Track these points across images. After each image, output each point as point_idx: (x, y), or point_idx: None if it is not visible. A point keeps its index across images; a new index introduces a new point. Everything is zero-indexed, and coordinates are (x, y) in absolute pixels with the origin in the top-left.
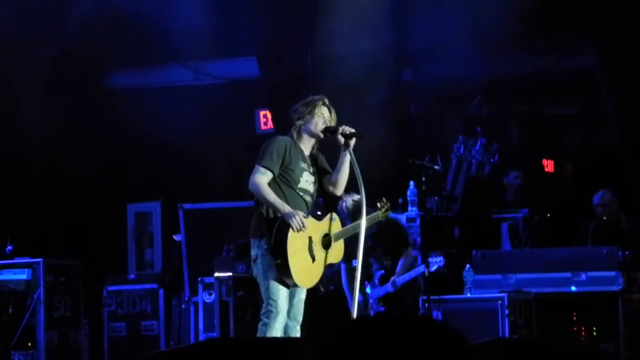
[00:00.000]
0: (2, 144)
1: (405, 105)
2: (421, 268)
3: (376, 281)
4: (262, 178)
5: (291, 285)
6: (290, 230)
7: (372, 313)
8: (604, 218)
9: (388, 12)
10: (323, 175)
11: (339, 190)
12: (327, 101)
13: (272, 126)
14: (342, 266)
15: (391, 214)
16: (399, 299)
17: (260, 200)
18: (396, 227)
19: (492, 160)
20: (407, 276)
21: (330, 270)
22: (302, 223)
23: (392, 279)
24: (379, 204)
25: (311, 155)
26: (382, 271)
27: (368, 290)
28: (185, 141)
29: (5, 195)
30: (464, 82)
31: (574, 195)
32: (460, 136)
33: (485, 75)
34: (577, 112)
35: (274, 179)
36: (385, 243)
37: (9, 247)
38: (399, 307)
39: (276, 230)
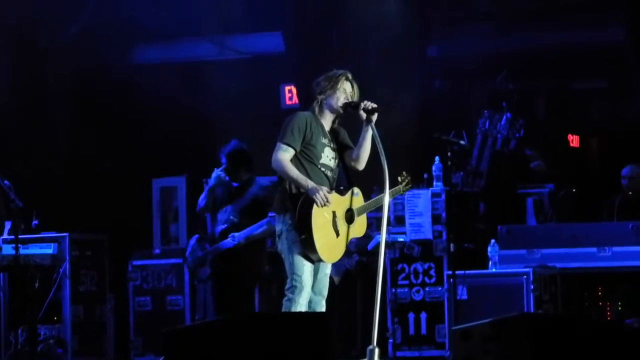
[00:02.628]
0: (29, 118)
1: (430, 80)
2: (257, 225)
3: (216, 236)
4: (284, 155)
5: (316, 261)
6: (315, 205)
7: (207, 270)
8: (630, 193)
9: None
10: (344, 150)
11: (361, 165)
12: (350, 76)
13: (297, 101)
14: None
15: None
16: (239, 256)
17: (283, 177)
18: (264, 189)
19: (517, 135)
20: (244, 232)
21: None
22: (326, 198)
23: (231, 234)
24: (399, 178)
25: (332, 130)
26: (224, 225)
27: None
28: (210, 116)
29: (31, 169)
30: (489, 56)
31: (600, 171)
32: (486, 111)
33: (511, 50)
34: (603, 86)
35: (295, 155)
36: (247, 201)
37: (35, 222)
38: (238, 264)
39: (300, 206)
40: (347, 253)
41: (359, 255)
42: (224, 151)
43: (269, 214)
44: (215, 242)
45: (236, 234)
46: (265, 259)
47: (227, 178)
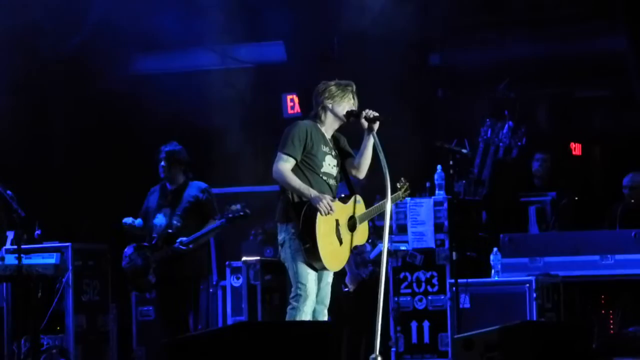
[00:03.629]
0: (30, 128)
1: (432, 88)
2: (206, 230)
3: (157, 242)
4: (285, 165)
5: (319, 269)
6: (318, 214)
7: (151, 279)
8: (632, 201)
9: None
10: (345, 158)
11: (362, 173)
12: (354, 88)
13: (299, 110)
14: None
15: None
16: (185, 261)
17: (285, 187)
18: (204, 191)
19: (519, 143)
20: (193, 237)
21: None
22: (330, 206)
23: (180, 239)
24: (398, 184)
25: (332, 137)
26: (168, 231)
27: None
28: (211, 126)
29: (34, 179)
30: (491, 65)
31: (602, 179)
32: (488, 119)
33: (513, 58)
34: (606, 95)
35: (297, 165)
36: (187, 204)
37: (38, 232)
38: (185, 269)
39: (304, 215)
40: (363, 263)
41: (373, 265)
42: (164, 148)
43: (215, 218)
44: (156, 249)
45: (184, 239)
46: (207, 261)
47: (162, 174)
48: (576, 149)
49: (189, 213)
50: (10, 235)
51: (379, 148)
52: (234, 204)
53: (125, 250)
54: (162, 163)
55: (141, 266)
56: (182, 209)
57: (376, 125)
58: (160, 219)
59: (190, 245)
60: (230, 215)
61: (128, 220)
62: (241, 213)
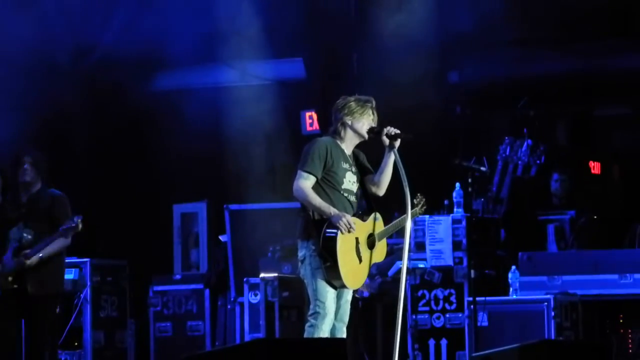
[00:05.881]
0: (49, 145)
1: (451, 106)
2: (48, 241)
3: (9, 255)
4: (306, 183)
5: (339, 287)
6: (339, 232)
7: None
8: None
9: (434, 13)
10: (364, 174)
11: (382, 190)
12: (374, 104)
13: (317, 127)
14: None
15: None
16: (35, 276)
17: (306, 205)
18: (57, 200)
19: (538, 161)
20: (36, 249)
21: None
22: (350, 225)
23: (24, 252)
24: (415, 200)
25: (352, 153)
26: (16, 244)
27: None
28: (231, 142)
29: None
30: (510, 82)
31: (621, 197)
32: (507, 137)
33: (532, 76)
34: (625, 113)
35: (317, 182)
36: (40, 214)
37: None
38: (32, 283)
39: (324, 233)
40: (370, 276)
41: (381, 276)
42: (29, 152)
43: (60, 228)
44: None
45: (28, 252)
46: (63, 276)
47: (25, 178)
48: (595, 167)
49: (40, 224)
50: None
51: (400, 165)
52: (77, 216)
53: None
54: (26, 166)
55: None
56: (35, 219)
57: (397, 143)
58: (14, 232)
59: (34, 258)
60: (63, 227)
61: None
62: (73, 225)
